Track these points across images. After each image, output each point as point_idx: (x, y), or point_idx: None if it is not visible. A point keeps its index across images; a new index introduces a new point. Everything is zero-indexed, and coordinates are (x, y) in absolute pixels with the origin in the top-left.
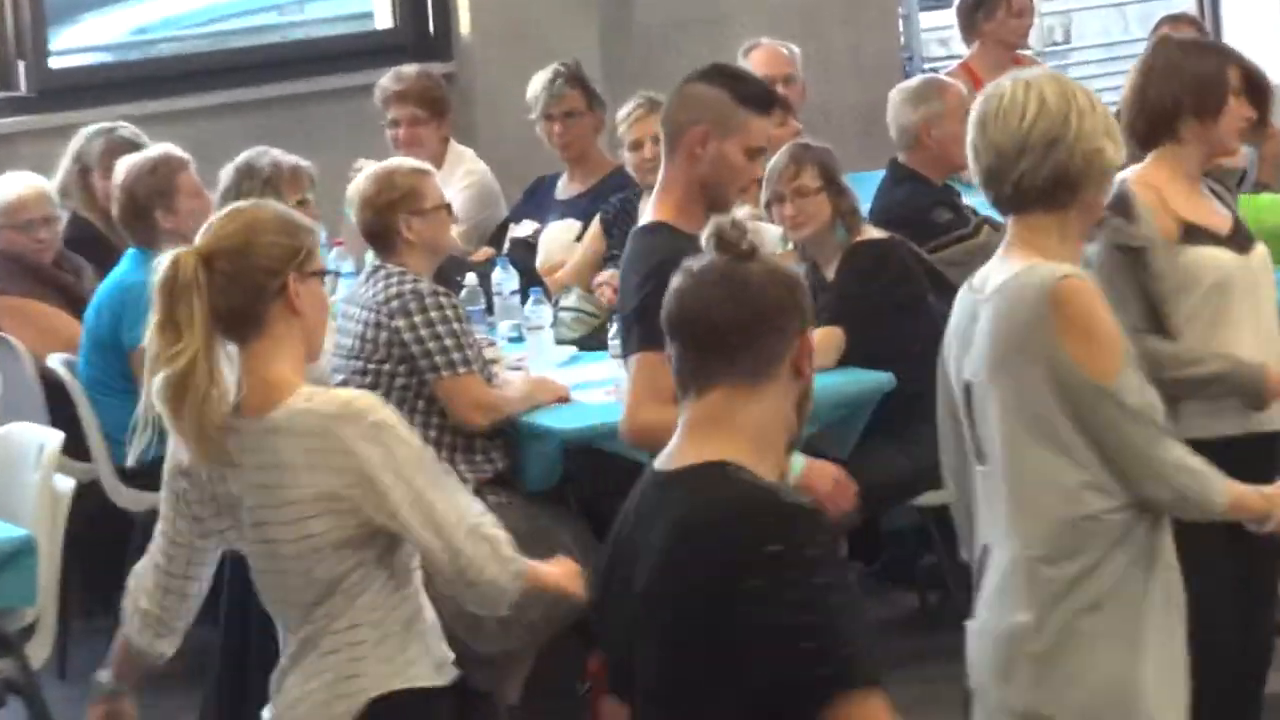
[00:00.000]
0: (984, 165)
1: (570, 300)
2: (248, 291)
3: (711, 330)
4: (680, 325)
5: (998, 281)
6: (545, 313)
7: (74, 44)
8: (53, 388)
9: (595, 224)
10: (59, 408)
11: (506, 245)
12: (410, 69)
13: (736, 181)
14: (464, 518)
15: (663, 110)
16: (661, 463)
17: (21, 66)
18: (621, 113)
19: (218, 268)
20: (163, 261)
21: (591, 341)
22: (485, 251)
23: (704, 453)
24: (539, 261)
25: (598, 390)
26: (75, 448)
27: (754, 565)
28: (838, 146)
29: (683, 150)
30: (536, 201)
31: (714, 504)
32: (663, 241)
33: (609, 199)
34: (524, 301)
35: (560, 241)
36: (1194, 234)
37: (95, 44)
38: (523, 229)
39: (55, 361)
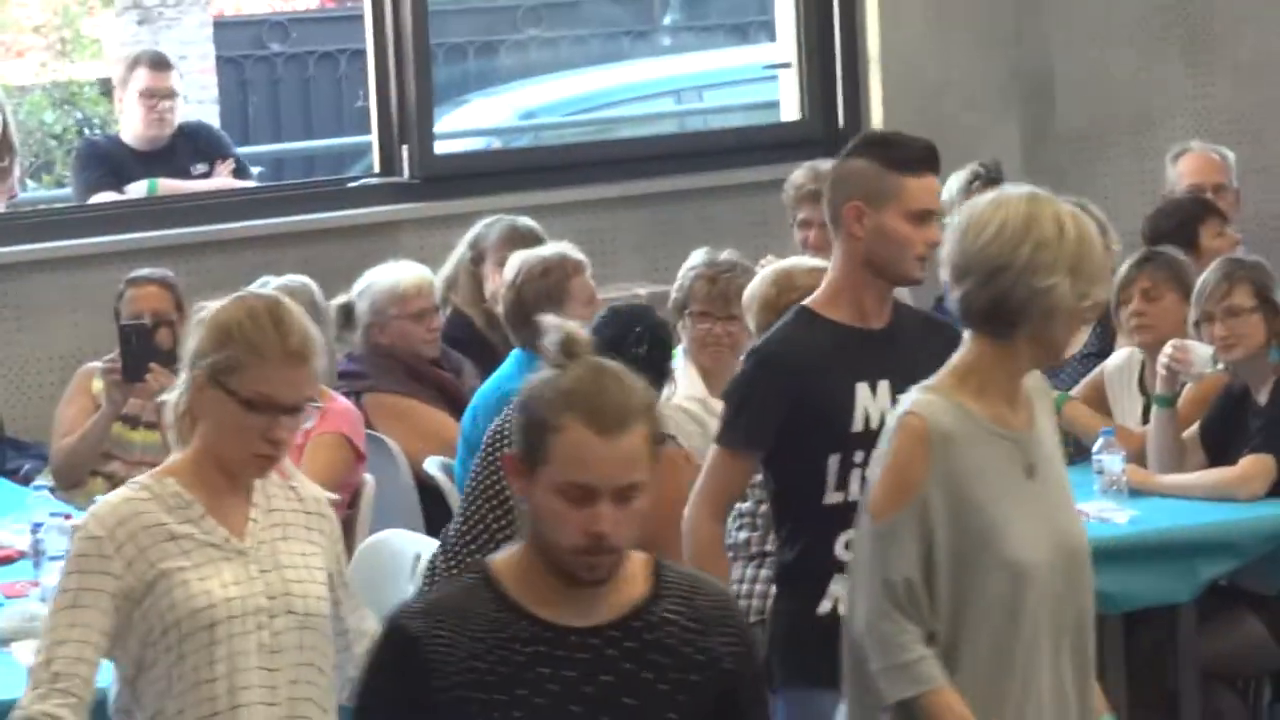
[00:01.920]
0: (946, 276)
1: None
2: None
3: None
4: None
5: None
6: None
7: (457, 128)
8: (429, 492)
9: None
10: (436, 514)
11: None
12: (827, 166)
13: (906, 251)
14: None
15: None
16: None
17: (405, 151)
18: None
19: None
20: None
21: None
22: None
23: None
24: None
25: None
26: None
27: None
28: (1275, 260)
29: (843, 232)
30: (946, 314)
31: None
32: (786, 328)
33: None
34: None
35: None
36: None
37: (480, 128)
38: None
39: (432, 465)
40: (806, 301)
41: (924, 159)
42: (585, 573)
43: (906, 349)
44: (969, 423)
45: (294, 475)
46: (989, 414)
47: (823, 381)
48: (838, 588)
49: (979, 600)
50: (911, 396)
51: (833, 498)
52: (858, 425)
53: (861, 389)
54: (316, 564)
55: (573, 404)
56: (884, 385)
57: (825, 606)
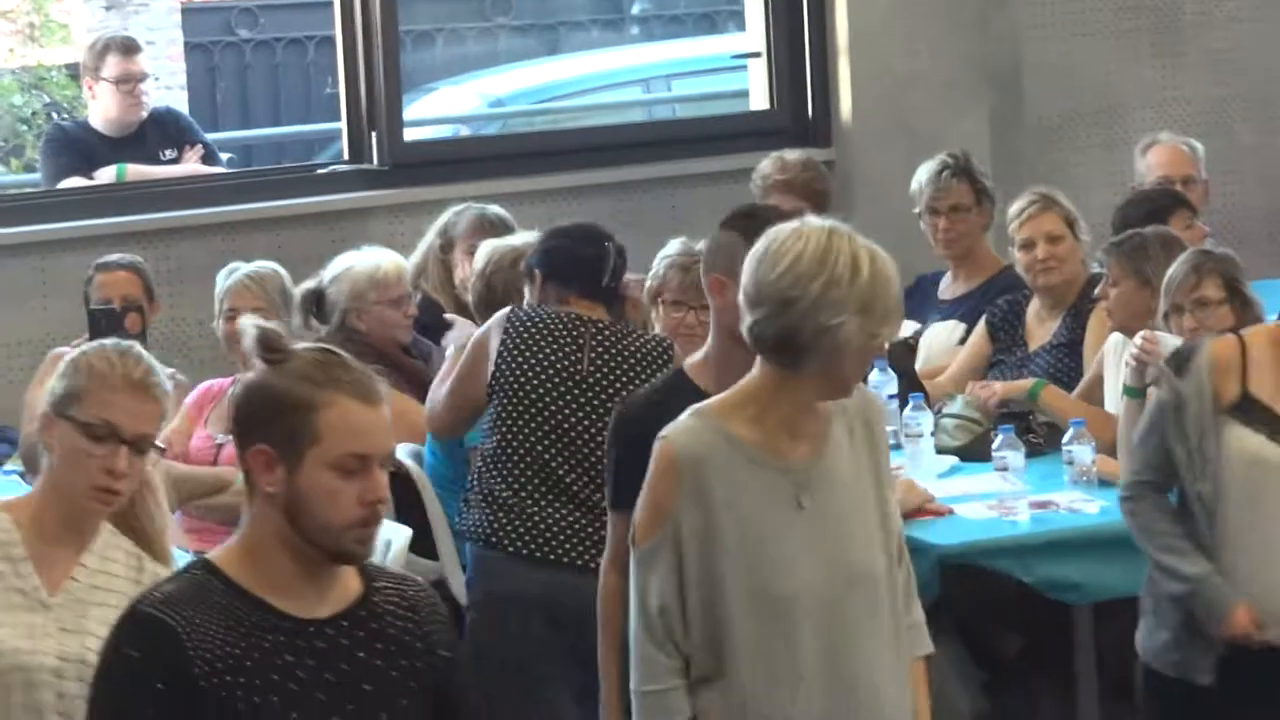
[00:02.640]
0: (740, 302)
1: (954, 407)
2: None
3: None
4: None
5: None
6: (926, 419)
7: (426, 115)
8: (398, 479)
9: (981, 326)
10: (405, 500)
11: (885, 346)
12: (794, 156)
13: None
14: None
15: None
16: None
17: (374, 138)
18: (1013, 209)
19: None
20: None
21: (974, 451)
22: None
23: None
24: (919, 364)
25: (979, 504)
26: (422, 545)
27: None
28: (1243, 252)
29: (711, 302)
30: (917, 301)
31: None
32: (653, 390)
33: (996, 300)
34: (903, 407)
35: (943, 344)
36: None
37: (448, 115)
38: (903, 329)
39: (403, 452)
40: (685, 362)
41: None
42: (358, 547)
43: None
44: (728, 449)
45: (144, 558)
46: (758, 442)
47: None
48: None
49: (737, 628)
50: (677, 419)
51: None
52: None
53: None
54: None
55: (330, 380)
56: None
57: None
